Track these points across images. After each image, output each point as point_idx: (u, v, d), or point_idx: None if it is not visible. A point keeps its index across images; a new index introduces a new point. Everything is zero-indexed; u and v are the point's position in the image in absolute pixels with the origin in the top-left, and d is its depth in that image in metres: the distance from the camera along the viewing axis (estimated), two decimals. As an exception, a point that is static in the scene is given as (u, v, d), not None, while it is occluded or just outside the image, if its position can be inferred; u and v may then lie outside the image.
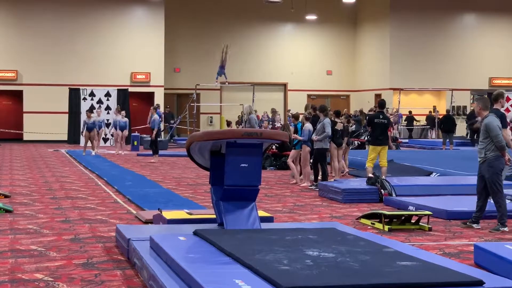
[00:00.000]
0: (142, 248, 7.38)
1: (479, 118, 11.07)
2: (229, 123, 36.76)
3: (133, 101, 34.78)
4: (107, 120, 31.25)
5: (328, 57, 42.19)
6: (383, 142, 15.36)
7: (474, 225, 10.30)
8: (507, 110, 30.54)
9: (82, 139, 27.23)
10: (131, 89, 35.33)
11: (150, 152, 24.22)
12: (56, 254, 8.17)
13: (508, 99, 32.27)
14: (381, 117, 15.49)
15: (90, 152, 26.25)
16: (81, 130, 26.33)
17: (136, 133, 30.73)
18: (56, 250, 8.39)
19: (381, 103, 16.07)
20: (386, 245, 7.11)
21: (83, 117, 29.73)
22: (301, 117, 16.57)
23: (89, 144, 26.50)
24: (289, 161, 16.98)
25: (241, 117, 33.70)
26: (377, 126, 15.35)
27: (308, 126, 16.06)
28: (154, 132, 23.00)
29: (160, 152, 24.85)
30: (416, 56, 39.52)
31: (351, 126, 19.04)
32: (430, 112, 38.37)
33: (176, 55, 39.56)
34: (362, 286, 5.30)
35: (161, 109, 33.92)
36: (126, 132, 27.69)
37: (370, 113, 34.00)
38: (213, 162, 8.58)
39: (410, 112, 38.85)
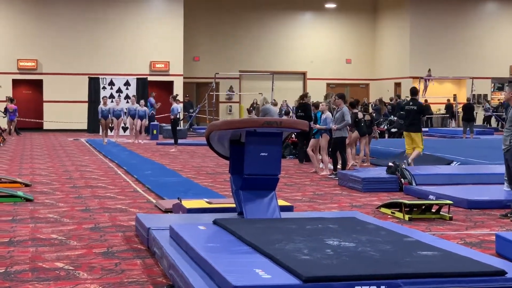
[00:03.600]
0: (162, 237, 7.38)
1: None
2: (250, 111, 36.65)
3: (152, 90, 34.84)
4: (126, 109, 31.31)
5: (347, 45, 42.02)
6: (410, 128, 15.60)
7: None
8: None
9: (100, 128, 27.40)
10: (150, 78, 35.40)
11: (170, 141, 24.15)
12: (77, 243, 8.19)
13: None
14: (411, 103, 15.86)
15: (110, 140, 26.35)
16: (99, 117, 26.61)
17: (155, 122, 30.77)
18: (76, 239, 8.42)
19: (412, 91, 16.42)
20: (407, 235, 7.07)
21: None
22: (323, 105, 16.51)
23: (109, 133, 26.64)
24: (309, 150, 16.93)
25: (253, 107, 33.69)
26: (407, 112, 15.76)
27: (329, 115, 16.01)
28: (172, 117, 23.22)
29: (180, 141, 24.89)
30: (436, 44, 39.27)
31: (371, 114, 18.86)
32: (448, 100, 38.12)
33: (195, 44, 39.55)
34: (383, 275, 5.27)
35: (180, 98, 33.93)
36: (145, 121, 27.77)
37: (391, 102, 33.92)
38: (233, 151, 8.56)
39: (426, 100, 38.51)
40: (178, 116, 23.97)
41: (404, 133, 16.03)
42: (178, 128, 24.54)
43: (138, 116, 27.52)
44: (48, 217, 10.03)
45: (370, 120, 18.37)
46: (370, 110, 21.14)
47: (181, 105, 34.77)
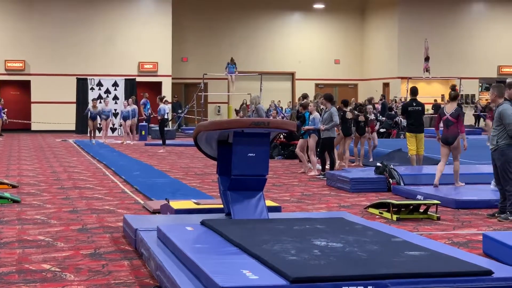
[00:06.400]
0: (150, 238, 7.36)
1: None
2: (237, 112, 36.70)
3: (140, 90, 34.77)
4: (115, 110, 31.26)
5: (335, 46, 42.07)
6: (418, 130, 15.37)
7: (502, 216, 10.05)
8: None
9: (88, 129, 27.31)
10: (138, 79, 35.33)
11: (158, 142, 24.02)
12: (64, 245, 8.16)
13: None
14: (414, 104, 15.55)
15: (98, 141, 26.27)
16: (86, 116, 26.49)
17: (144, 123, 30.71)
18: (63, 241, 8.38)
19: (413, 90, 16.11)
20: (394, 235, 7.07)
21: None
22: (311, 105, 16.51)
23: (97, 134, 26.52)
24: (298, 150, 16.94)
25: (243, 107, 33.92)
26: (411, 113, 15.42)
27: (317, 115, 16.02)
28: (159, 118, 23.16)
29: (168, 141, 24.84)
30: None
31: (365, 115, 18.79)
32: (435, 100, 38.17)
33: (184, 45, 39.51)
34: (370, 276, 5.27)
35: (169, 99, 33.89)
36: (129, 122, 27.37)
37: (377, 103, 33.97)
38: (220, 151, 8.54)
39: (435, 100, 38.31)
40: (166, 117, 23.91)
41: (409, 134, 15.43)
42: (166, 129, 24.48)
43: (122, 116, 27.33)
44: (35, 218, 9.99)
45: (364, 121, 18.33)
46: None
47: (170, 105, 34.80)
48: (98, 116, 26.41)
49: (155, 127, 29.55)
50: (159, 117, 23.29)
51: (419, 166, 15.47)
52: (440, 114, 12.92)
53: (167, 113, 33.33)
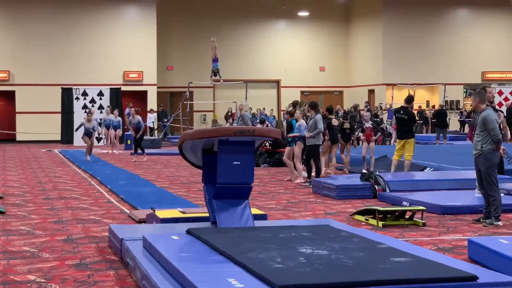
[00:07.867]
0: (135, 248, 7.34)
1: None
2: (227, 119, 36.63)
3: (125, 100, 34.70)
4: (100, 119, 31.15)
5: (321, 53, 42.17)
6: (404, 136, 15.62)
7: (487, 221, 10.10)
8: (500, 104, 30.57)
9: (78, 141, 26.86)
10: (123, 88, 35.25)
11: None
12: (49, 255, 8.12)
13: (500, 93, 32.31)
14: (401, 112, 15.80)
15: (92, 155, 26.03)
16: (82, 134, 24.11)
17: (130, 132, 30.60)
18: (48, 251, 8.35)
19: (407, 99, 16.45)
20: (380, 241, 7.09)
21: (77, 117, 29.70)
22: (297, 113, 16.52)
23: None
24: (285, 158, 16.95)
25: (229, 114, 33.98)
26: (398, 120, 15.86)
27: (303, 123, 16.04)
28: (141, 132, 22.44)
29: (154, 150, 24.73)
30: (409, 51, 39.51)
31: (350, 122, 18.68)
32: (419, 107, 38.27)
33: (169, 54, 39.50)
34: (356, 283, 5.27)
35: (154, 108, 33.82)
36: (119, 132, 27.48)
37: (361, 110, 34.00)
38: (206, 160, 8.54)
39: (419, 107, 38.38)
40: (151, 126, 23.72)
41: (398, 140, 15.93)
42: (152, 137, 24.30)
43: (113, 126, 27.28)
44: (20, 229, 9.94)
45: (350, 128, 18.28)
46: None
47: (155, 114, 34.77)
48: (92, 132, 23.57)
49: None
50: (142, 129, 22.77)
51: (405, 172, 15.53)
52: (472, 125, 13.32)
53: (153, 122, 33.21)
